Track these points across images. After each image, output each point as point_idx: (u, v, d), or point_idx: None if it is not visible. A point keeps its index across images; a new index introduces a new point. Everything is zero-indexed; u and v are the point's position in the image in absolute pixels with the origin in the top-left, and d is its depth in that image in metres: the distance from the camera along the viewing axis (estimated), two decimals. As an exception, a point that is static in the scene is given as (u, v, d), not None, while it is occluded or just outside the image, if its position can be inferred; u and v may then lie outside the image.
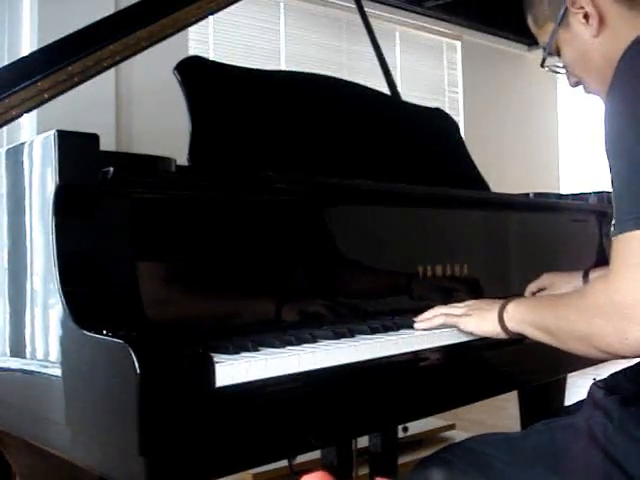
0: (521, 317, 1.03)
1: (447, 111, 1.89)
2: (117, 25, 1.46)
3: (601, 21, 1.03)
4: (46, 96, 1.33)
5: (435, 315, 1.13)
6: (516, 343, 1.17)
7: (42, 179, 0.89)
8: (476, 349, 1.12)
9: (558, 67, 1.14)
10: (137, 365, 0.71)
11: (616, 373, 1.08)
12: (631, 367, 1.08)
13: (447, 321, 1.11)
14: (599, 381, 1.05)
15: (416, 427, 2.70)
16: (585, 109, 5.65)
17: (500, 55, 5.18)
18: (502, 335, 1.05)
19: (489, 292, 1.40)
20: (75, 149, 0.88)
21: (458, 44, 4.94)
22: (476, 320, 1.08)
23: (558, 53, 1.11)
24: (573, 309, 0.93)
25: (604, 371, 1.18)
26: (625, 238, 0.86)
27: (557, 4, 1.06)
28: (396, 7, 4.41)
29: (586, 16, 1.03)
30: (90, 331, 0.78)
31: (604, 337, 0.87)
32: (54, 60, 1.35)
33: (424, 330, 1.10)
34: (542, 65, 1.14)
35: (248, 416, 0.81)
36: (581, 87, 1.13)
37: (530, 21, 1.15)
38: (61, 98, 1.37)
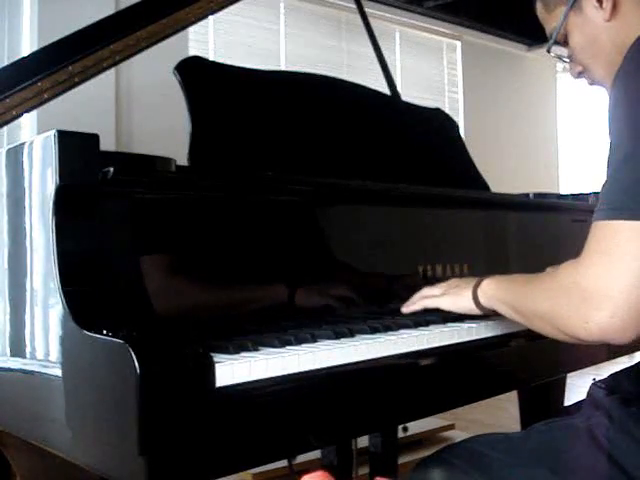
0: (493, 294, 1.05)
1: (447, 111, 1.90)
2: (117, 25, 1.46)
3: (614, 6, 1.04)
4: (46, 96, 1.33)
5: (418, 298, 1.18)
6: (516, 343, 1.17)
7: (42, 179, 0.89)
8: (476, 349, 1.12)
9: (563, 56, 1.15)
10: (137, 365, 0.71)
11: (616, 373, 1.08)
12: (632, 367, 1.08)
13: (428, 303, 1.15)
14: (599, 381, 1.05)
15: (416, 427, 2.70)
16: (585, 109, 5.65)
17: (500, 55, 5.18)
18: (476, 311, 1.09)
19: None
20: (75, 149, 0.88)
21: (458, 44, 4.94)
22: (453, 298, 1.12)
23: (565, 41, 1.11)
24: (541, 289, 0.95)
25: (604, 371, 1.18)
26: (601, 225, 0.87)
27: None
28: (396, 7, 4.41)
29: (600, 0, 1.04)
30: (90, 331, 0.78)
31: (566, 319, 0.88)
32: (54, 60, 1.35)
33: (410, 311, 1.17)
34: (548, 51, 1.14)
35: (248, 416, 0.81)
36: (582, 84, 1.13)
37: (539, 7, 1.15)
38: (61, 98, 1.37)
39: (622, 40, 0.99)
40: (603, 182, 0.90)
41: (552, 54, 1.15)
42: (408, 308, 1.18)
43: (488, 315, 1.13)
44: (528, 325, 1.00)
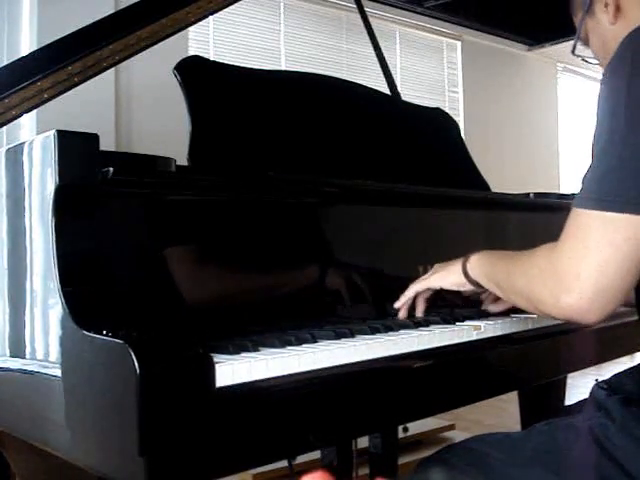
0: (480, 268, 1.11)
1: (447, 111, 1.89)
2: (117, 25, 1.46)
3: (617, 8, 1.08)
4: (46, 96, 1.33)
5: (408, 290, 1.20)
6: (516, 343, 1.17)
7: (42, 179, 0.89)
8: (476, 349, 1.12)
9: (589, 57, 1.20)
10: (137, 365, 0.71)
11: (619, 374, 1.08)
12: (634, 367, 1.08)
13: (418, 287, 1.18)
14: (602, 382, 1.05)
15: (416, 427, 2.70)
16: (585, 109, 5.65)
17: (500, 55, 5.18)
18: (468, 286, 1.13)
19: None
20: (75, 149, 0.88)
21: (458, 44, 4.94)
22: (442, 274, 1.17)
23: (587, 42, 1.17)
24: (520, 267, 1.01)
25: (606, 371, 1.18)
26: (580, 213, 0.92)
27: None
28: (396, 7, 4.41)
29: (606, 4, 1.09)
30: (90, 331, 0.78)
31: (539, 297, 0.95)
32: (54, 60, 1.35)
33: (402, 305, 1.19)
34: (573, 52, 1.20)
35: (248, 416, 0.81)
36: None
37: (571, 10, 1.20)
38: (61, 98, 1.37)
39: None
40: (586, 169, 0.95)
41: (577, 55, 1.20)
42: (400, 302, 1.19)
43: (484, 314, 1.16)
44: (506, 299, 1.08)
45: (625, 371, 1.08)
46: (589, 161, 0.95)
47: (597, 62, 1.19)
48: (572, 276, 0.89)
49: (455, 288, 1.15)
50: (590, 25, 1.13)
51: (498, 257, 1.10)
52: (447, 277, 1.15)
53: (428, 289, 1.19)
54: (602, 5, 1.09)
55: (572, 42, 1.19)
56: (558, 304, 0.91)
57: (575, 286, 0.89)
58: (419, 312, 1.19)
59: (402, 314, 1.19)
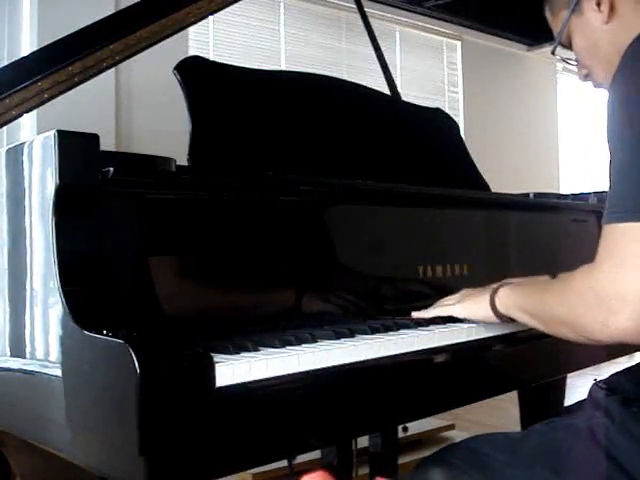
0: (511, 302, 1.06)
1: (447, 111, 1.89)
2: (117, 25, 1.46)
3: (612, 8, 1.06)
4: (46, 96, 1.33)
5: (432, 308, 1.17)
6: (516, 343, 1.17)
7: (42, 179, 0.89)
8: (476, 349, 1.12)
9: (570, 59, 1.17)
10: (137, 365, 0.71)
11: (617, 373, 1.08)
12: (632, 367, 1.08)
13: (441, 312, 1.15)
14: (600, 381, 1.05)
15: (416, 427, 2.70)
16: (585, 109, 5.65)
17: (500, 55, 5.18)
18: (494, 319, 1.09)
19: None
20: (75, 149, 0.88)
21: (458, 44, 4.93)
22: (470, 305, 1.13)
23: (569, 44, 1.14)
24: (557, 295, 0.97)
25: (605, 371, 1.18)
26: (613, 229, 0.88)
27: None
28: (396, 7, 4.41)
29: (598, 3, 1.06)
30: (90, 331, 0.78)
31: (584, 323, 0.90)
32: (54, 60, 1.35)
33: (420, 318, 1.15)
34: (553, 53, 1.17)
35: (248, 416, 0.81)
36: (582, 84, 1.15)
37: (547, 10, 1.17)
38: (61, 98, 1.37)
39: (621, 42, 0.99)
40: (608, 185, 0.92)
41: (557, 57, 1.17)
42: (420, 315, 1.17)
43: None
44: (545, 330, 1.01)
45: (623, 371, 1.08)
46: (609, 175, 0.92)
47: (577, 63, 1.16)
48: (617, 297, 0.85)
49: (482, 320, 1.12)
50: (576, 24, 1.10)
51: (529, 287, 1.07)
52: (474, 310, 1.12)
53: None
54: (593, 4, 1.07)
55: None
56: (607, 329, 0.87)
57: (622, 307, 0.85)
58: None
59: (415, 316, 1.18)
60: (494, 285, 1.11)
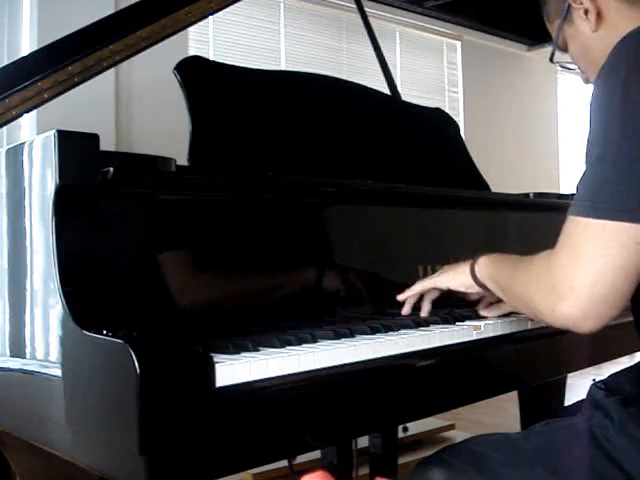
0: (486, 271, 1.11)
1: (447, 111, 1.89)
2: (117, 25, 1.46)
3: (599, 16, 1.07)
4: (46, 96, 1.33)
5: (414, 285, 1.20)
6: (516, 343, 1.17)
7: (42, 179, 0.89)
8: (476, 349, 1.12)
9: (569, 63, 1.19)
10: (137, 365, 0.71)
11: (616, 374, 1.08)
12: (631, 368, 1.08)
13: (425, 284, 1.19)
14: (599, 382, 1.05)
15: (416, 427, 2.70)
16: (585, 109, 5.65)
17: (500, 55, 5.18)
18: (475, 288, 1.13)
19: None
20: (75, 149, 0.88)
21: (458, 44, 4.93)
22: (451, 275, 1.17)
23: (566, 49, 1.16)
24: (521, 273, 1.02)
25: (604, 372, 1.18)
26: (574, 221, 0.92)
27: (562, 0, 1.10)
28: (396, 7, 4.41)
29: (586, 12, 1.07)
30: (90, 331, 0.78)
31: (537, 304, 0.95)
32: (54, 60, 1.35)
33: (406, 298, 1.19)
34: (551, 60, 1.19)
35: (248, 416, 0.81)
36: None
37: (544, 17, 1.19)
38: (61, 98, 1.37)
39: (610, 47, 0.99)
40: (580, 177, 0.95)
41: (556, 62, 1.20)
42: (405, 294, 1.20)
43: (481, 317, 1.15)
44: (508, 303, 1.10)
45: (622, 371, 1.08)
46: (583, 168, 0.95)
47: (576, 68, 1.18)
48: (566, 285, 0.89)
49: (463, 289, 1.15)
50: (568, 32, 1.12)
51: (504, 261, 1.10)
52: (455, 277, 1.16)
53: (435, 289, 1.19)
54: (581, 12, 1.08)
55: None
56: (554, 313, 0.91)
57: (569, 295, 0.89)
58: (424, 312, 1.19)
59: (405, 310, 1.19)
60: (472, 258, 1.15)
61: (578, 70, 1.18)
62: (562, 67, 1.22)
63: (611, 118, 0.91)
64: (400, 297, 1.20)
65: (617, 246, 0.87)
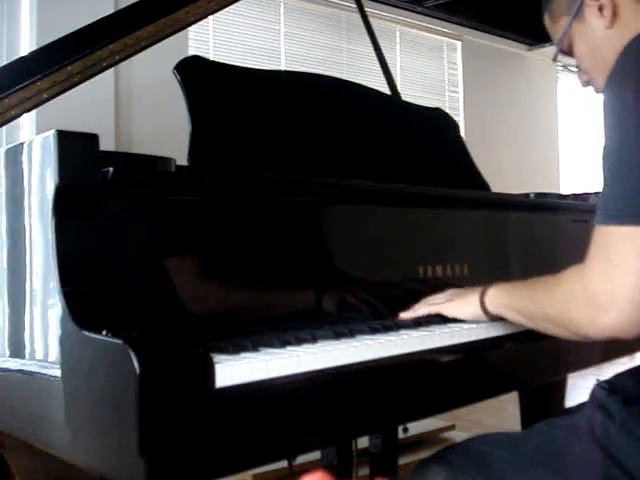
0: (501, 301, 1.09)
1: (447, 111, 1.89)
2: (117, 25, 1.46)
3: (614, 13, 1.06)
4: (45, 96, 1.33)
5: (419, 306, 1.18)
6: (517, 344, 1.17)
7: (41, 179, 0.89)
8: (477, 350, 1.12)
9: (570, 65, 1.17)
10: (137, 365, 0.71)
11: (620, 374, 1.08)
12: (635, 368, 1.08)
13: (431, 310, 1.17)
14: (603, 382, 1.05)
15: (416, 428, 2.70)
16: (585, 109, 5.65)
17: (500, 55, 5.18)
18: (482, 318, 1.12)
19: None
20: (75, 149, 0.87)
21: (458, 44, 4.93)
22: (459, 304, 1.15)
23: (570, 50, 1.15)
24: (548, 294, 1.00)
25: (606, 372, 1.18)
26: (605, 231, 0.91)
27: None
28: (396, 7, 4.41)
29: (601, 8, 1.07)
30: (90, 331, 0.78)
31: (576, 322, 0.94)
32: (54, 60, 1.34)
33: (409, 318, 1.16)
34: (554, 60, 1.19)
35: (248, 416, 0.81)
36: (582, 88, 1.15)
37: (546, 17, 1.18)
38: (61, 98, 1.37)
39: (622, 46, 0.99)
40: (601, 186, 0.93)
41: (559, 63, 1.18)
42: (408, 315, 1.17)
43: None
44: (535, 328, 1.05)
45: (625, 371, 1.08)
46: (602, 176, 0.94)
47: (578, 70, 1.17)
48: (607, 296, 0.88)
49: (470, 319, 1.14)
50: (578, 30, 1.11)
51: (518, 287, 1.09)
52: (464, 308, 1.14)
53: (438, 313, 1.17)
54: (595, 9, 1.07)
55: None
56: (597, 326, 0.90)
57: (611, 305, 0.88)
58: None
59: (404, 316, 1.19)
60: (483, 286, 1.14)
61: (577, 73, 1.17)
62: (564, 67, 1.22)
63: (627, 125, 0.90)
64: (403, 316, 1.18)
65: None
